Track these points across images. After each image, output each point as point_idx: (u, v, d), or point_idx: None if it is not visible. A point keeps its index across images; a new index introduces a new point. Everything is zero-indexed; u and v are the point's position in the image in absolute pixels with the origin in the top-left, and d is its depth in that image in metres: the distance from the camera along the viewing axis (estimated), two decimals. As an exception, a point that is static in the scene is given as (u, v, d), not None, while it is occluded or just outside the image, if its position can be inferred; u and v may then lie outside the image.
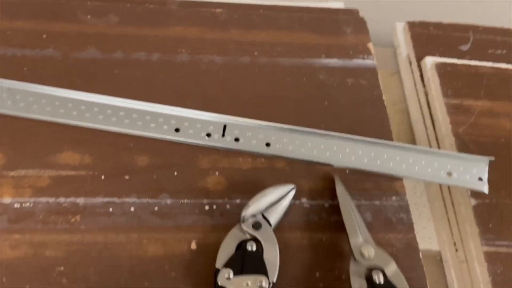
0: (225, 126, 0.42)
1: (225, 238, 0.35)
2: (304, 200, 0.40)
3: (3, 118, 0.40)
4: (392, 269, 0.34)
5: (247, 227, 0.35)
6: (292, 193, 0.38)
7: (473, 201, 0.44)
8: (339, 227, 0.39)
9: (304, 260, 0.37)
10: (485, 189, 0.42)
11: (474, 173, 0.42)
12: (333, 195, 0.40)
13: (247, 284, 0.33)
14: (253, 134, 0.42)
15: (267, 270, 0.33)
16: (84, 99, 0.42)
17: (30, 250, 0.35)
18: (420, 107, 0.54)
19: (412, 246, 0.38)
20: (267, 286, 0.33)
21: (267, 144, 0.42)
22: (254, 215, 0.36)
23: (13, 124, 0.40)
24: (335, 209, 0.39)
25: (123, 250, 0.35)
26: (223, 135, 0.42)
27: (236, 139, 0.42)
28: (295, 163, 0.41)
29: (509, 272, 0.40)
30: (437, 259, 0.44)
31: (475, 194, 0.44)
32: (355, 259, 0.35)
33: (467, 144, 0.47)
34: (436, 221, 0.46)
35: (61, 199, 0.37)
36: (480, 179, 0.42)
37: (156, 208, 0.38)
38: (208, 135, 0.42)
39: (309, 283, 0.36)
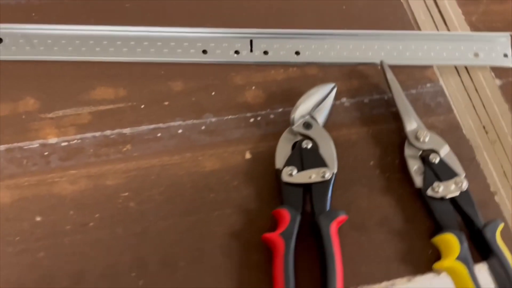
0: (251, 41, 0.42)
1: (278, 142, 0.36)
2: (343, 99, 0.40)
3: (25, 64, 0.39)
4: (445, 150, 0.36)
5: (298, 128, 0.36)
6: (334, 91, 0.38)
7: (498, 82, 0.45)
8: (383, 119, 0.39)
9: (356, 153, 0.38)
10: (511, 63, 0.43)
11: (499, 50, 0.43)
12: (371, 91, 0.41)
13: (311, 177, 0.33)
14: (281, 45, 0.42)
15: (326, 163, 0.34)
16: (105, 33, 0.40)
17: (90, 182, 0.34)
18: (427, 7, 0.54)
19: (454, 124, 0.40)
20: (330, 176, 0.33)
21: (297, 53, 0.42)
22: (302, 116, 0.36)
23: (37, 69, 0.39)
24: (376, 103, 0.40)
25: (181, 169, 0.36)
26: (251, 50, 0.41)
27: (265, 52, 0.41)
28: (327, 67, 0.42)
29: (542, 139, 0.42)
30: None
31: (498, 74, 0.45)
32: (410, 143, 0.36)
33: (482, 32, 0.48)
34: (460, 112, 0.48)
35: (107, 132, 0.37)
36: (505, 55, 0.43)
37: (203, 127, 0.38)
38: (237, 52, 0.41)
39: (366, 171, 0.37)
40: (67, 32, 0.40)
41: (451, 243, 0.31)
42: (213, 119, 0.38)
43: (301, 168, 0.34)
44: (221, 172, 0.36)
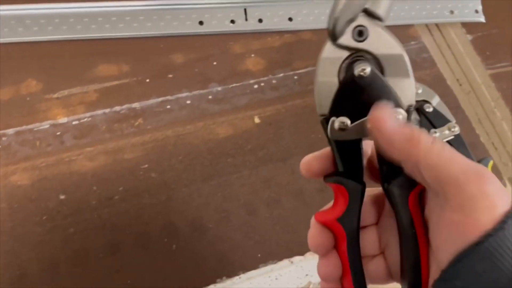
0: (245, 10, 0.43)
1: (317, 68, 0.21)
2: (338, 61, 0.42)
3: (21, 46, 0.38)
4: (436, 100, 0.39)
5: (347, 41, 0.21)
6: None
7: (469, 37, 0.50)
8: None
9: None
10: (482, 18, 0.47)
11: (471, 7, 0.47)
12: (362, 51, 0.43)
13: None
14: (274, 12, 0.43)
15: (396, 95, 0.20)
16: (99, 10, 0.40)
17: (108, 157, 0.35)
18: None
19: (438, 77, 0.43)
20: (405, 117, 0.20)
21: (290, 19, 0.43)
22: (350, 19, 0.20)
23: (34, 50, 0.38)
24: (367, 62, 0.43)
25: (196, 137, 0.37)
26: (246, 19, 0.42)
27: (260, 20, 0.43)
28: (320, 32, 0.44)
29: (512, 86, 0.47)
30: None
31: (469, 30, 0.49)
32: (404, 95, 0.39)
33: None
34: (440, 66, 0.52)
35: (117, 108, 0.37)
36: (476, 11, 0.47)
37: (210, 97, 0.39)
38: (232, 21, 0.42)
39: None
40: (60, 11, 0.39)
41: (451, 181, 0.35)
42: (219, 88, 0.39)
43: (357, 113, 0.20)
44: (234, 138, 0.37)
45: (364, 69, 0.20)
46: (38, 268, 0.31)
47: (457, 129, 0.38)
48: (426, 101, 0.39)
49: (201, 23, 0.42)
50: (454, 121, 0.39)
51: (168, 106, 0.38)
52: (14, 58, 0.37)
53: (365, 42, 0.20)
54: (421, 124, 0.38)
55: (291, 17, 0.43)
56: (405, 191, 0.21)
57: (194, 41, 0.41)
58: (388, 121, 0.19)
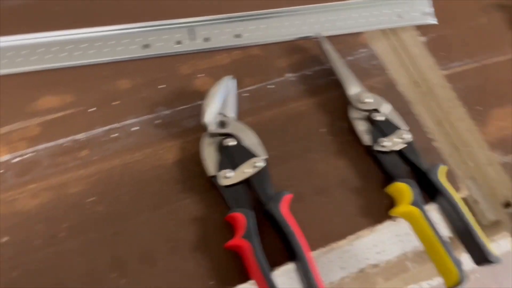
0: (191, 30, 0.42)
1: (201, 149, 0.35)
2: (288, 75, 0.42)
3: (-43, 83, 0.37)
4: (388, 108, 0.39)
5: (215, 129, 0.35)
6: (234, 82, 0.38)
7: (422, 39, 0.49)
8: (327, 87, 0.42)
9: (308, 123, 0.40)
10: (433, 20, 0.47)
11: (419, 9, 0.47)
12: (311, 64, 0.43)
13: (245, 171, 0.34)
14: (221, 30, 0.42)
15: (254, 152, 0.35)
16: (39, 41, 0.39)
17: (52, 193, 0.34)
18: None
19: (390, 83, 0.43)
20: (262, 163, 0.34)
21: (237, 36, 0.43)
22: (213, 117, 0.36)
23: (-29, 86, 0.37)
24: (318, 74, 0.42)
25: (144, 165, 0.36)
26: (192, 39, 0.42)
27: (206, 39, 0.42)
28: (268, 46, 0.43)
29: (468, 85, 0.47)
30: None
31: (422, 32, 0.49)
32: (354, 107, 0.39)
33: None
34: (394, 71, 0.52)
35: (61, 141, 0.36)
36: (426, 13, 0.47)
37: (158, 121, 0.38)
38: (178, 42, 0.41)
39: (319, 138, 0.39)
40: (-3, 44, 0.38)
41: (403, 190, 0.35)
42: (167, 112, 0.39)
43: (233, 167, 0.34)
44: (184, 162, 0.36)
45: (231, 141, 0.35)
46: (-20, 316, 0.30)
47: (407, 137, 0.37)
48: (377, 110, 0.39)
49: (146, 46, 0.41)
50: (406, 128, 0.38)
51: (116, 134, 0.37)
52: (-49, 97, 0.36)
53: (227, 128, 0.36)
54: (373, 134, 0.38)
55: (238, 33, 0.43)
56: (276, 205, 0.33)
57: (139, 65, 0.40)
58: None
